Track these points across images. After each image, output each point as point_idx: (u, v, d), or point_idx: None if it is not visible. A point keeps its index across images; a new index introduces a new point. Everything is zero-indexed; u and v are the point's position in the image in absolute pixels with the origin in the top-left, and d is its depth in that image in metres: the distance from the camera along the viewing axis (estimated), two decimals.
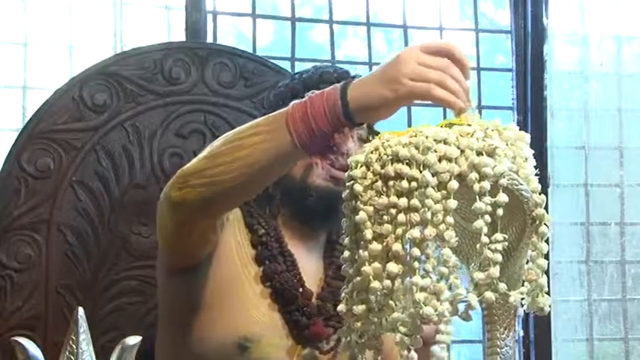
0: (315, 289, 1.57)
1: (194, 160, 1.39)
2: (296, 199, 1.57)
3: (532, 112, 2.69)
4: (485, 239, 1.05)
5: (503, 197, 1.06)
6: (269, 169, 1.34)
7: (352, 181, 1.10)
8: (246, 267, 1.55)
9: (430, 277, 1.04)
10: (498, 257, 1.06)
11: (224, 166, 1.33)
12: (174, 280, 1.56)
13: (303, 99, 1.32)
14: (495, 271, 1.05)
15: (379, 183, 1.08)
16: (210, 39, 2.43)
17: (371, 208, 1.08)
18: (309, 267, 1.59)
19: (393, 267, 1.05)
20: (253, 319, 1.51)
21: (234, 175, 1.32)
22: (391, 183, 1.07)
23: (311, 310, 1.54)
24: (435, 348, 1.14)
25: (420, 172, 1.06)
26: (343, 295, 1.12)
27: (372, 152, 1.10)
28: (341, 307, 1.12)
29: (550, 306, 1.12)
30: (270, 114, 1.36)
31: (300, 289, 1.54)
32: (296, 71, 1.73)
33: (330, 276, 1.59)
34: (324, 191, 1.54)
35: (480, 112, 2.67)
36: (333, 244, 1.63)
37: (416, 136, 1.09)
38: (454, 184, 1.05)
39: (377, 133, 1.62)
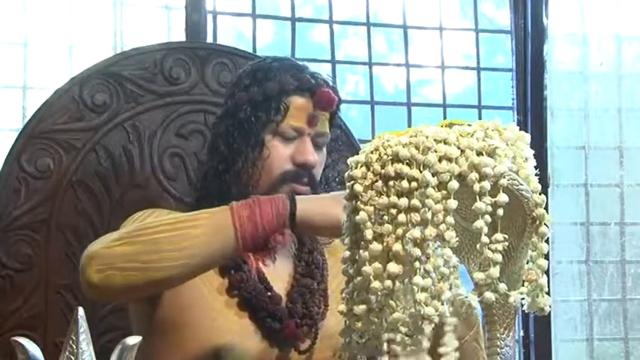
0: (285, 290, 1.56)
1: (113, 241, 1.35)
2: None
3: (532, 112, 2.69)
4: (485, 239, 1.05)
5: (503, 197, 1.06)
6: (206, 264, 1.37)
7: (352, 181, 1.10)
8: (206, 279, 1.52)
9: (431, 278, 1.04)
10: (498, 257, 1.06)
11: (161, 254, 1.32)
12: (139, 304, 1.56)
13: (247, 200, 1.37)
14: (495, 271, 1.05)
15: (379, 183, 1.08)
16: (210, 39, 2.43)
17: (371, 208, 1.08)
18: (278, 267, 1.58)
19: (393, 267, 1.05)
20: (223, 329, 1.49)
21: (173, 265, 1.32)
22: (391, 183, 1.07)
23: (281, 314, 1.52)
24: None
25: (420, 172, 1.06)
26: (343, 295, 1.12)
27: (372, 152, 1.10)
28: (341, 308, 1.12)
29: (550, 306, 1.11)
30: (213, 209, 1.39)
31: (269, 294, 1.53)
32: (258, 65, 1.65)
33: (300, 273, 1.58)
34: None
35: (479, 112, 2.69)
36: (303, 242, 1.62)
37: (416, 136, 1.09)
38: (454, 184, 1.05)
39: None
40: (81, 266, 1.38)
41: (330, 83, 1.62)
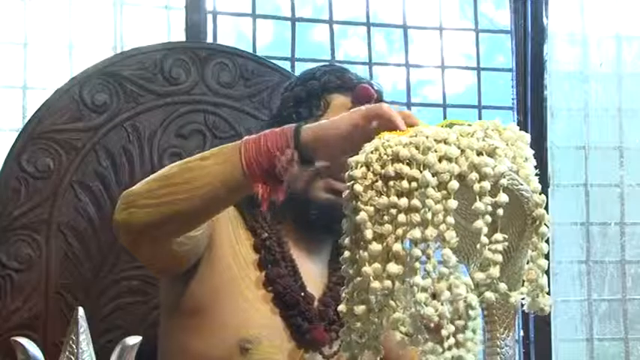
0: (317, 294, 1.58)
1: (141, 182, 1.38)
2: (299, 212, 1.56)
3: (532, 112, 2.69)
4: (485, 239, 1.05)
5: (503, 197, 1.06)
6: (216, 194, 1.33)
7: (352, 181, 1.10)
8: (244, 271, 1.54)
9: (431, 278, 1.04)
10: (498, 257, 1.06)
11: (174, 187, 1.33)
12: (171, 282, 1.57)
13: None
14: (495, 271, 1.05)
15: (379, 183, 1.08)
16: (210, 39, 2.43)
17: (371, 208, 1.08)
18: (313, 272, 1.59)
19: (393, 267, 1.05)
20: (253, 321, 1.51)
21: (183, 197, 1.32)
22: (391, 183, 1.07)
23: (312, 315, 1.54)
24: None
25: (420, 172, 1.06)
26: (343, 295, 1.12)
27: (372, 152, 1.10)
28: (341, 308, 1.12)
29: (550, 306, 1.12)
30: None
31: (302, 294, 1.54)
32: (306, 70, 1.71)
33: (334, 281, 1.59)
34: (326, 205, 1.53)
35: (479, 112, 2.69)
36: (338, 251, 1.62)
37: (416, 135, 1.09)
38: (454, 184, 1.05)
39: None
40: (115, 213, 1.41)
41: (375, 85, 1.62)
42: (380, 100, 1.61)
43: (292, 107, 1.59)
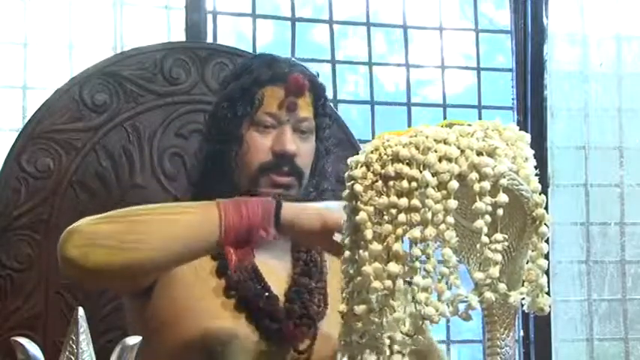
0: (283, 290, 1.55)
1: (101, 219, 1.35)
2: None
3: (532, 112, 2.69)
4: (485, 239, 1.05)
5: (503, 197, 1.06)
6: (187, 252, 1.35)
7: (352, 181, 1.10)
8: (204, 280, 1.52)
9: (431, 278, 1.04)
10: (498, 257, 1.06)
11: (145, 236, 1.32)
12: (133, 300, 1.56)
13: (235, 198, 1.39)
14: (495, 271, 1.05)
15: (379, 183, 1.08)
16: (210, 39, 2.43)
17: (371, 208, 1.08)
18: (275, 267, 1.57)
19: (393, 267, 1.05)
20: (221, 330, 1.48)
21: (155, 247, 1.32)
22: (391, 183, 1.07)
23: (279, 315, 1.51)
24: None
25: (420, 172, 1.06)
26: (344, 295, 1.12)
27: (372, 152, 1.10)
28: (341, 308, 1.12)
29: (550, 306, 1.12)
30: (202, 202, 1.40)
31: (266, 295, 1.52)
32: (239, 64, 1.72)
33: (298, 273, 1.57)
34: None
35: (479, 112, 2.69)
36: None
37: (416, 136, 1.09)
38: (454, 184, 1.05)
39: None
40: (60, 240, 1.35)
41: (308, 72, 1.61)
42: (317, 87, 1.60)
43: (228, 106, 1.58)
